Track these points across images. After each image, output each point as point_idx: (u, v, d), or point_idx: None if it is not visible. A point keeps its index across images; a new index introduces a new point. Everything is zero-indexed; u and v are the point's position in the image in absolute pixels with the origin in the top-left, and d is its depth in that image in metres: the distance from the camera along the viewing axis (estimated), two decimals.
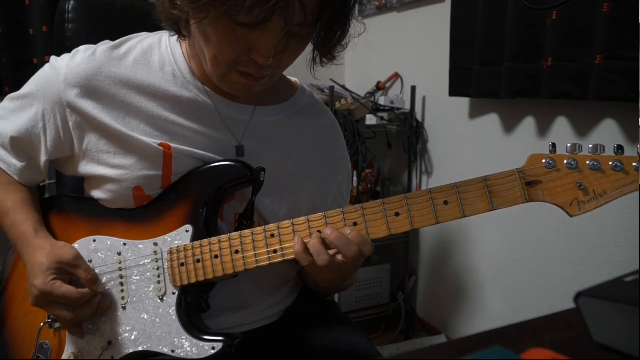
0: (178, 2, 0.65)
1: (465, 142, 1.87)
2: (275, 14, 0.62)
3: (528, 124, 1.59)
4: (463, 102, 1.85)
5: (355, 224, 0.69)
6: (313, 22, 0.68)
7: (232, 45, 0.67)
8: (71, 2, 1.00)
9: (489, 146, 1.76)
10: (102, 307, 0.77)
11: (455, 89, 1.79)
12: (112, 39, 0.81)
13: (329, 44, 0.73)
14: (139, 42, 0.80)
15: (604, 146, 0.61)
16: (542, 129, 1.54)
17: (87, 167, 0.79)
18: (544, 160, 0.64)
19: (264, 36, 0.65)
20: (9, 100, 0.83)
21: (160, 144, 0.75)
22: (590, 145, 0.62)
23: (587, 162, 0.62)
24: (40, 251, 0.75)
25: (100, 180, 0.78)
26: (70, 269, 0.75)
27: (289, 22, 0.65)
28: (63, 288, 0.72)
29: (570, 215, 0.63)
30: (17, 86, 0.83)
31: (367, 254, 0.68)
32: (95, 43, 0.80)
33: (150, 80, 0.77)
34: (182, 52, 0.80)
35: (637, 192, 0.60)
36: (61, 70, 0.76)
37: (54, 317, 0.77)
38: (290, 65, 0.75)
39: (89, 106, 0.75)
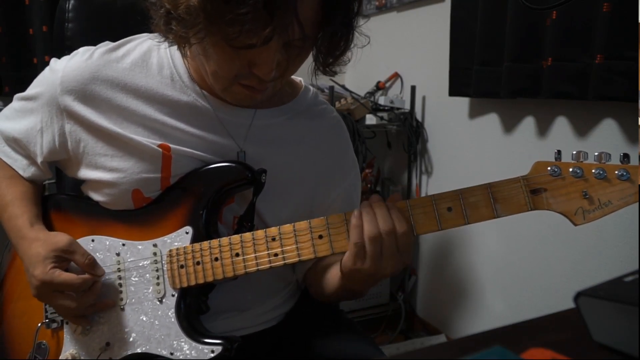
0: (173, 27, 0.64)
1: (465, 142, 1.87)
2: (274, 36, 0.61)
3: (528, 124, 1.59)
4: (463, 102, 1.85)
5: None
6: (315, 34, 0.68)
7: (233, 62, 0.66)
8: (71, 2, 1.00)
9: (489, 146, 1.75)
10: (105, 304, 0.76)
11: (455, 89, 1.79)
12: (112, 39, 0.81)
13: (331, 56, 0.72)
14: (139, 45, 0.80)
15: (609, 154, 0.61)
16: (542, 129, 1.54)
17: (85, 172, 0.78)
18: (549, 168, 0.63)
19: (264, 54, 0.64)
20: (16, 100, 0.84)
21: (159, 145, 0.75)
22: (596, 154, 0.61)
23: (593, 170, 0.61)
24: (35, 243, 0.75)
25: (99, 184, 0.78)
26: (67, 255, 0.74)
27: (288, 41, 0.64)
28: (63, 275, 0.72)
29: (575, 225, 0.63)
30: (17, 86, 0.84)
31: (402, 233, 0.65)
32: (95, 43, 0.80)
33: (148, 84, 0.76)
34: (182, 56, 0.79)
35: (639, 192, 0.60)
36: (59, 74, 0.76)
37: (58, 308, 0.76)
38: (293, 74, 0.75)
39: (86, 111, 0.75)
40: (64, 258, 0.74)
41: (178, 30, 0.64)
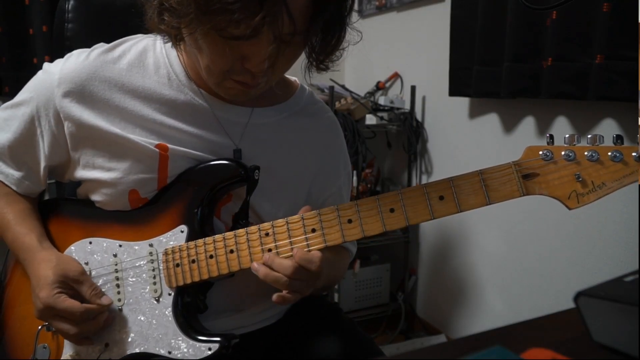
0: (165, 18, 0.65)
1: (465, 142, 1.87)
2: (264, 27, 0.61)
3: (528, 124, 1.59)
4: (463, 102, 1.85)
5: (350, 221, 0.68)
6: (305, 30, 0.67)
7: (225, 56, 0.66)
8: (71, 2, 1.00)
9: (489, 146, 1.75)
10: (106, 321, 0.76)
11: (455, 89, 1.79)
12: (112, 39, 0.81)
13: (324, 52, 0.72)
14: (134, 45, 0.79)
15: (602, 137, 0.60)
16: (542, 129, 1.54)
17: (83, 172, 0.78)
18: (541, 153, 0.63)
19: (255, 47, 0.64)
20: (3, 110, 0.82)
21: (157, 146, 0.75)
22: (589, 136, 0.60)
23: (586, 153, 0.60)
24: (46, 264, 0.74)
25: (96, 184, 0.77)
26: (75, 285, 0.74)
27: (278, 33, 0.64)
28: (67, 302, 0.72)
29: (569, 208, 0.62)
30: (17, 86, 0.83)
31: (315, 269, 0.68)
32: (95, 43, 0.80)
33: (145, 84, 0.76)
34: (178, 55, 0.79)
35: (637, 186, 0.59)
36: (55, 76, 0.75)
37: (58, 331, 0.75)
38: (286, 71, 0.75)
39: (84, 112, 0.75)
40: (70, 286, 0.74)
41: (170, 21, 0.64)
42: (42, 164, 0.80)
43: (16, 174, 0.82)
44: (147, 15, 0.69)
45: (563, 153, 0.62)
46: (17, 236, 0.79)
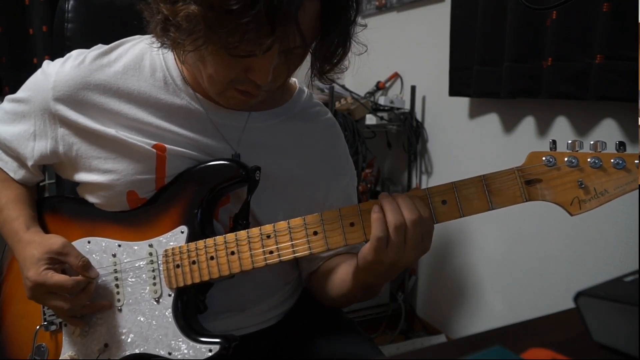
0: (171, 34, 0.64)
1: (465, 142, 1.87)
2: (274, 45, 0.61)
3: (528, 124, 1.59)
4: (463, 102, 1.85)
5: (352, 224, 0.68)
6: (313, 41, 0.68)
7: (230, 67, 0.66)
8: (71, 2, 1.00)
9: (489, 146, 1.75)
10: (100, 305, 0.76)
11: (455, 89, 1.79)
12: (112, 40, 0.81)
13: (328, 64, 0.72)
14: (131, 48, 0.79)
15: (605, 143, 0.60)
16: (542, 129, 1.54)
17: (80, 175, 0.78)
18: (544, 158, 0.63)
19: (262, 60, 0.64)
20: (7, 101, 0.84)
21: (154, 146, 0.74)
22: (592, 142, 0.61)
23: (588, 159, 0.61)
24: (30, 245, 0.75)
25: (94, 187, 0.78)
26: (61, 257, 0.74)
27: (287, 48, 0.64)
28: (56, 277, 0.72)
29: (571, 215, 0.62)
30: (17, 86, 0.83)
31: (426, 219, 0.64)
32: (95, 43, 0.80)
33: (141, 88, 0.76)
34: (174, 58, 0.78)
35: (638, 191, 0.59)
36: (51, 78, 0.76)
37: (51, 309, 0.76)
38: (289, 78, 0.75)
39: (78, 117, 0.75)
40: (58, 260, 0.74)
41: (176, 37, 0.63)
42: (30, 162, 0.81)
43: (14, 163, 0.83)
44: (149, 25, 0.68)
45: (566, 159, 0.62)
46: (6, 220, 0.80)
